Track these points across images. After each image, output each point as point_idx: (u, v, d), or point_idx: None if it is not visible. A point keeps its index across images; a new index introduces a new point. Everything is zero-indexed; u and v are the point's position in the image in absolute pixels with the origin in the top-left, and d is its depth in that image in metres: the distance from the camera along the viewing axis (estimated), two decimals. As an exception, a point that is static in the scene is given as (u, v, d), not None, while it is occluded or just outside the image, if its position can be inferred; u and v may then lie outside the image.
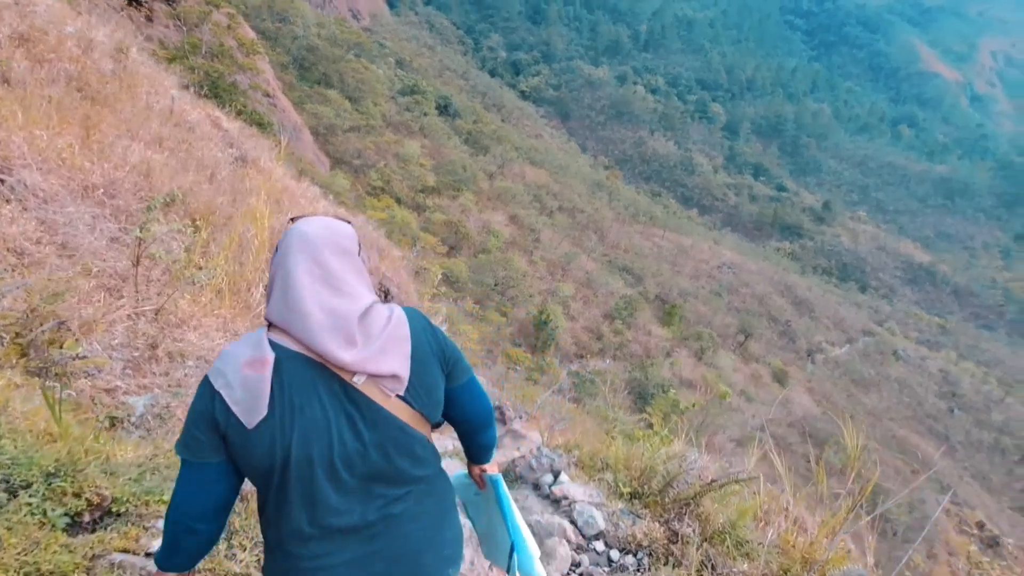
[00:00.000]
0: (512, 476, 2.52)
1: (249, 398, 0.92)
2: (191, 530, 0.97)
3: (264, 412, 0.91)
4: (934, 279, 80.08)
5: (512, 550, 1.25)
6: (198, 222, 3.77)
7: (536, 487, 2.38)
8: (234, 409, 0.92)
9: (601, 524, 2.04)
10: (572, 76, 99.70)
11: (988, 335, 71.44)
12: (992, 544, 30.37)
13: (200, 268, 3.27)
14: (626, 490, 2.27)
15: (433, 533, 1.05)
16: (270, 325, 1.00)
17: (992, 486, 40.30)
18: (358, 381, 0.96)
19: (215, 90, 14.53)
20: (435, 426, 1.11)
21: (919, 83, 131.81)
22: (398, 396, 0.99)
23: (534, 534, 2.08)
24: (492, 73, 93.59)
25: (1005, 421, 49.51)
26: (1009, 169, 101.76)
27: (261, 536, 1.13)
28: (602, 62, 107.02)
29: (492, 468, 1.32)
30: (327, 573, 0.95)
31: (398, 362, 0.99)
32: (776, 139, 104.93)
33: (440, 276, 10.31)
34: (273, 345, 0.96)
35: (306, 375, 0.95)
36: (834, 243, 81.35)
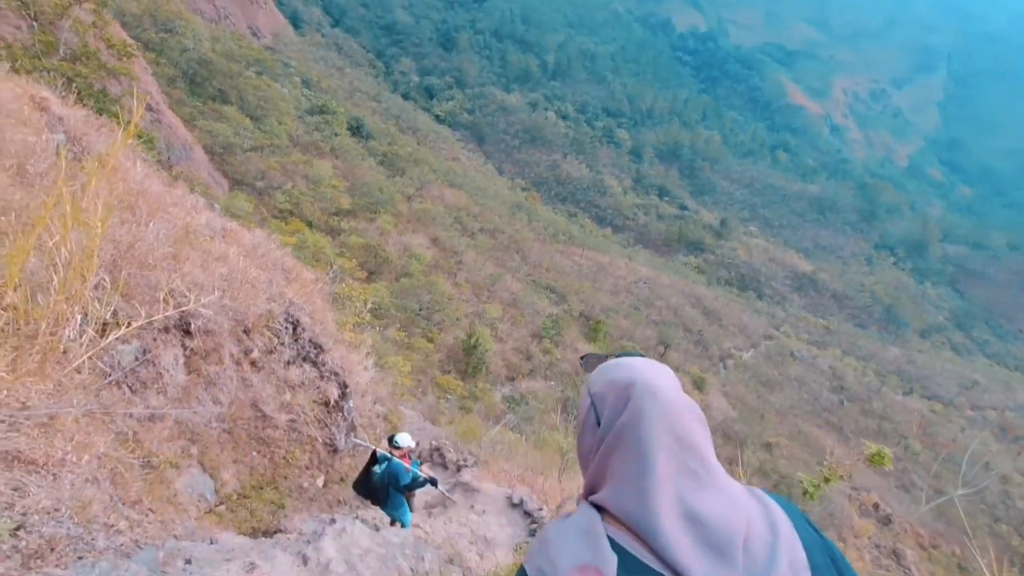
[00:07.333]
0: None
1: None
2: None
3: None
4: (816, 285, 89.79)
5: None
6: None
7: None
8: None
9: None
10: (485, 101, 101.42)
11: (863, 332, 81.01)
12: (886, 522, 33.56)
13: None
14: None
15: None
16: (600, 509, 0.75)
17: (880, 469, 44.72)
18: None
19: (80, 100, 12.25)
20: None
21: (789, 114, 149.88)
22: None
23: None
24: (405, 96, 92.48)
25: (883, 408, 55.78)
26: (864, 189, 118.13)
27: None
28: (514, 88, 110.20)
29: None
30: None
31: None
32: (676, 163, 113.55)
33: (369, 304, 9.02)
34: (614, 546, 0.70)
35: None
36: (732, 256, 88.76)
